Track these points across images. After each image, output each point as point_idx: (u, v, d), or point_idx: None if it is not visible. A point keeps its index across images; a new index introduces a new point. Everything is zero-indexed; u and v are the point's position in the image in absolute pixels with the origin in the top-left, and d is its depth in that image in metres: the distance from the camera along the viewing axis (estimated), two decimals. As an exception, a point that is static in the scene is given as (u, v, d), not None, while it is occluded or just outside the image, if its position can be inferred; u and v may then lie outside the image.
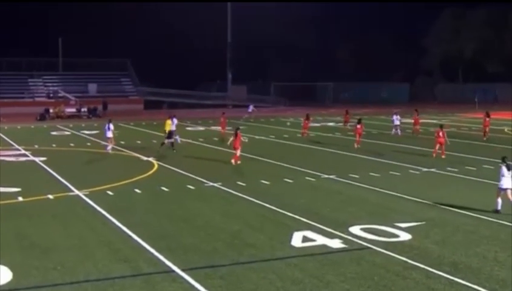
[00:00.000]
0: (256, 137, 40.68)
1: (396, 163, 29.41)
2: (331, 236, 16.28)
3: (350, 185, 23.95)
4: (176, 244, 15.65)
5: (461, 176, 25.14)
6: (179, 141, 36.48)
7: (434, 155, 31.48)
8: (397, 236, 16.42)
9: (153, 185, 23.82)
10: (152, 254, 14.86)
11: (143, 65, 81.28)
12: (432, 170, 27.53)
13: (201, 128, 49.62)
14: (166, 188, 23.25)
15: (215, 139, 39.58)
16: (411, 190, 22.65)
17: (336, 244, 15.63)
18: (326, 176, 25.87)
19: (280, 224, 17.79)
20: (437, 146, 31.85)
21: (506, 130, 46.79)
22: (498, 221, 18.01)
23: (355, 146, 35.78)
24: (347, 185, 23.98)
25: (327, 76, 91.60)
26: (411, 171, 27.40)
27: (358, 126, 36.76)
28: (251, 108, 62.15)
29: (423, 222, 17.86)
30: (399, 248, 15.28)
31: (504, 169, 18.89)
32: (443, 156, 31.27)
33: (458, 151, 32.06)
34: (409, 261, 14.26)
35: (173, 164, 29.15)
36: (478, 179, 25.03)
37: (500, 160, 19.65)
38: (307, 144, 38.05)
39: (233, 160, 29.40)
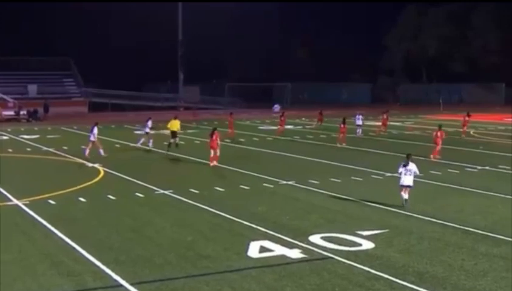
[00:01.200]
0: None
1: (358, 167, 29.67)
2: (290, 245, 16.34)
3: (310, 192, 24.09)
4: (124, 256, 15.51)
5: (426, 181, 25.47)
6: (139, 144, 38.01)
7: (432, 157, 32.58)
8: (359, 244, 16.56)
9: (99, 193, 23.57)
10: (98, 267, 14.70)
11: (87, 65, 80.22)
12: (396, 175, 27.76)
13: (151, 132, 49.11)
14: (113, 196, 23.03)
15: (165, 143, 39.29)
16: (374, 196, 22.87)
17: (295, 254, 15.69)
18: (285, 182, 25.96)
19: (236, 234, 17.78)
20: (438, 147, 32.94)
21: (472, 132, 47.64)
22: (463, 228, 18.33)
23: (342, 144, 38.66)
24: (307, 192, 24.10)
25: (285, 76, 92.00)
26: (374, 176, 27.69)
27: (342, 125, 39.31)
28: (278, 107, 63.19)
29: (387, 230, 18.05)
30: (361, 257, 15.42)
31: (402, 166, 20.94)
32: (437, 156, 32.53)
33: (423, 155, 32.40)
34: (372, 271, 14.39)
35: (120, 170, 28.89)
36: (444, 184, 25.44)
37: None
38: (265, 148, 38.13)
39: (212, 163, 30.36)
